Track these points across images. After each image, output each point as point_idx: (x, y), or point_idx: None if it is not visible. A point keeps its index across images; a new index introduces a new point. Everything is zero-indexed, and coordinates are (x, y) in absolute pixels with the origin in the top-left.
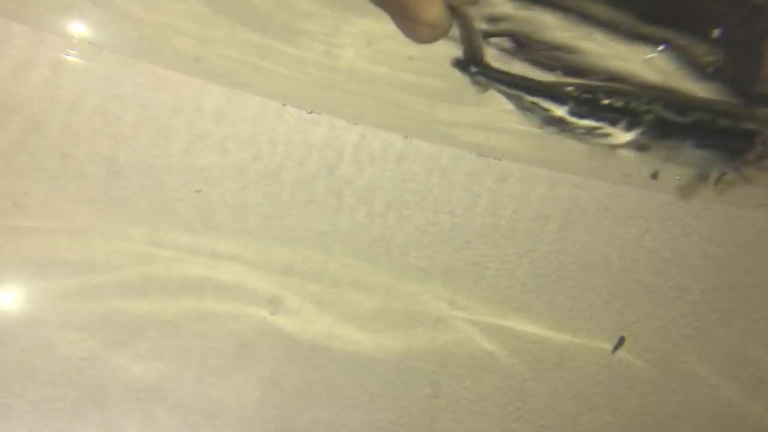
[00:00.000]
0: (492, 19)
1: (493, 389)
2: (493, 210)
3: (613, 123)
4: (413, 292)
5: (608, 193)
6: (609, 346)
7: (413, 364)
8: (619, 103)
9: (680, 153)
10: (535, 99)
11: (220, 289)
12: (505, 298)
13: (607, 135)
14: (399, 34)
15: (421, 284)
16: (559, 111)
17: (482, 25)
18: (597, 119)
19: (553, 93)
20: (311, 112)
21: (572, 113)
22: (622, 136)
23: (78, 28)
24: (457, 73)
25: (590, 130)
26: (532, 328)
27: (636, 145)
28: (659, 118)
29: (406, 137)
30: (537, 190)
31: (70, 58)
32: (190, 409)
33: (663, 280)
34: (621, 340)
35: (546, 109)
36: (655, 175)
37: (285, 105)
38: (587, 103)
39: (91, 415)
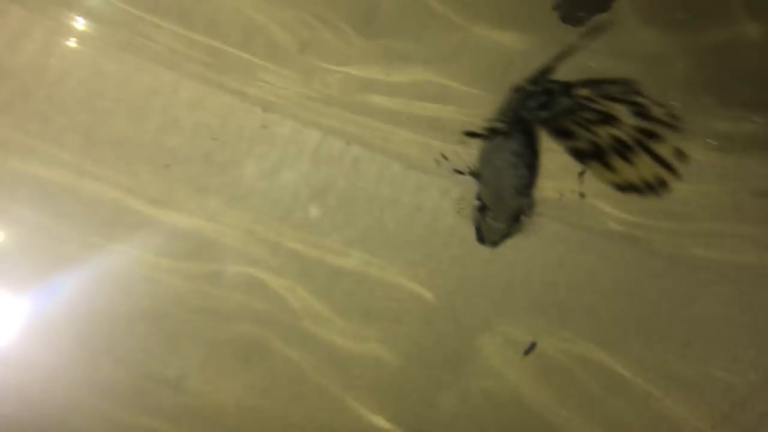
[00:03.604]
0: None
1: (424, 370)
2: (433, 221)
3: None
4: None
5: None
6: (521, 349)
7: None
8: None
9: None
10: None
11: (176, 259)
12: (435, 296)
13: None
14: None
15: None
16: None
17: None
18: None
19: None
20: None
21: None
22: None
23: (72, 16)
24: None
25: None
26: (455, 326)
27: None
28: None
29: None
30: None
31: (64, 41)
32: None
33: (576, 298)
34: (532, 345)
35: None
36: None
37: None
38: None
39: None
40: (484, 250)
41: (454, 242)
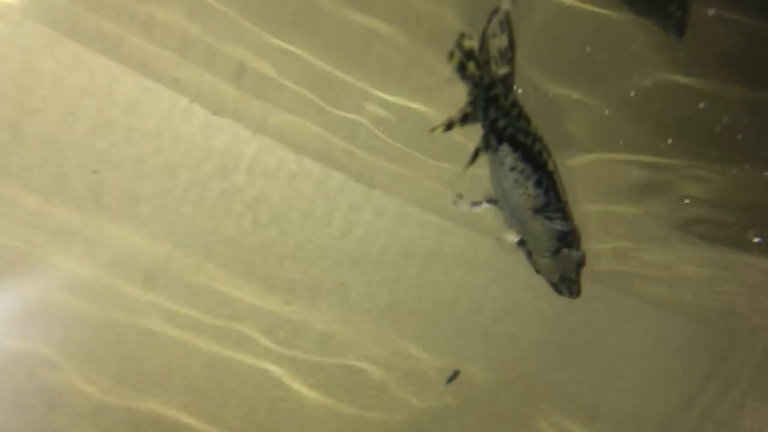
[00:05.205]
0: None
1: (347, 396)
2: (366, 239)
3: None
4: (281, 301)
5: (469, 241)
6: (444, 377)
7: (259, 376)
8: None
9: None
10: None
11: (98, 267)
12: (362, 319)
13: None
14: None
15: (288, 294)
16: None
17: None
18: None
19: None
20: (215, 114)
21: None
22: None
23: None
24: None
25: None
26: (382, 351)
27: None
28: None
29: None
30: (407, 228)
31: None
32: None
33: (500, 327)
34: (455, 374)
35: None
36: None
37: (192, 102)
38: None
39: None
40: (413, 275)
41: (385, 265)
